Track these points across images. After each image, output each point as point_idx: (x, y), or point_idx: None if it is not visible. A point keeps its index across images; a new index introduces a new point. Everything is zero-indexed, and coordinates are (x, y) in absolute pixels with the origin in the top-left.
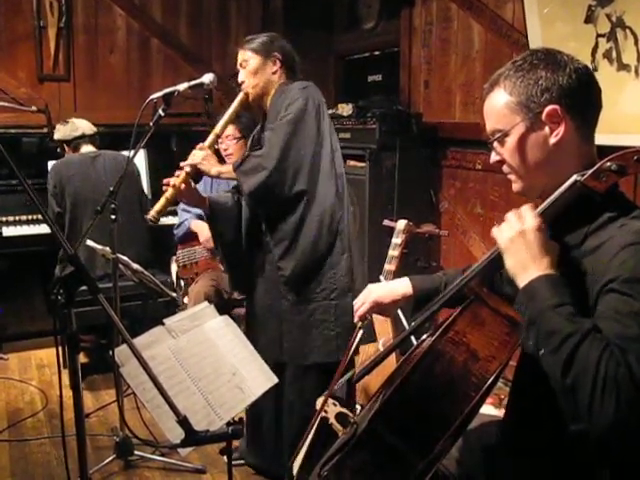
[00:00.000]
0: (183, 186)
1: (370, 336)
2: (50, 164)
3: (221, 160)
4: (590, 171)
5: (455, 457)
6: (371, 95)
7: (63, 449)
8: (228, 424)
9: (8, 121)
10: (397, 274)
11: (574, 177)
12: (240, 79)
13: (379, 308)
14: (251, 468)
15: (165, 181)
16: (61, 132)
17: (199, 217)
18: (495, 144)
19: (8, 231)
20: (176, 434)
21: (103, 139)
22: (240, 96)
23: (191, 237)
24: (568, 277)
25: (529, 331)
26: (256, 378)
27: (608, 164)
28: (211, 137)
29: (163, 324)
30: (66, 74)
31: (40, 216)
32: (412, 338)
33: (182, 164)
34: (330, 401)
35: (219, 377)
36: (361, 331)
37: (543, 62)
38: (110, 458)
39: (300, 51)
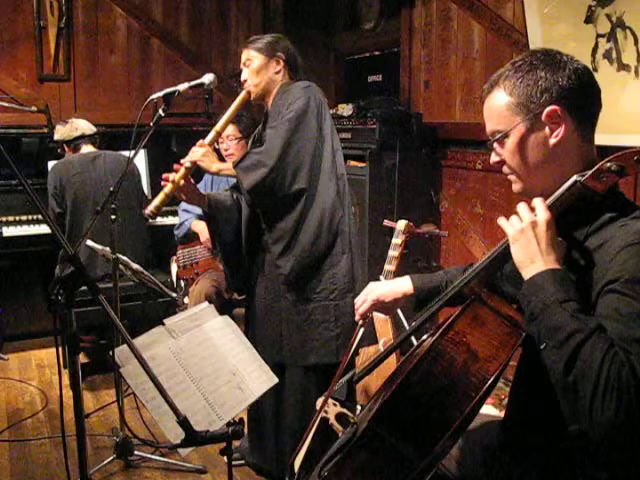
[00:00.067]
0: (182, 182)
1: (371, 337)
2: (50, 164)
3: (221, 160)
4: (590, 171)
5: (455, 457)
6: (371, 95)
7: (63, 449)
8: (228, 424)
9: (8, 121)
10: (397, 274)
11: (574, 177)
12: (243, 78)
13: (380, 306)
14: (251, 468)
15: (164, 176)
16: (61, 132)
17: (199, 217)
18: (495, 145)
19: (8, 231)
20: (176, 434)
21: (103, 139)
22: (242, 94)
23: (191, 237)
24: (570, 275)
25: (531, 324)
26: (256, 378)
27: (608, 164)
28: (212, 134)
29: (163, 324)
30: (66, 74)
31: (40, 216)
32: (412, 338)
33: (182, 160)
34: (330, 401)
35: (219, 377)
36: (362, 330)
37: (543, 63)
38: (110, 458)
39: (300, 51)
